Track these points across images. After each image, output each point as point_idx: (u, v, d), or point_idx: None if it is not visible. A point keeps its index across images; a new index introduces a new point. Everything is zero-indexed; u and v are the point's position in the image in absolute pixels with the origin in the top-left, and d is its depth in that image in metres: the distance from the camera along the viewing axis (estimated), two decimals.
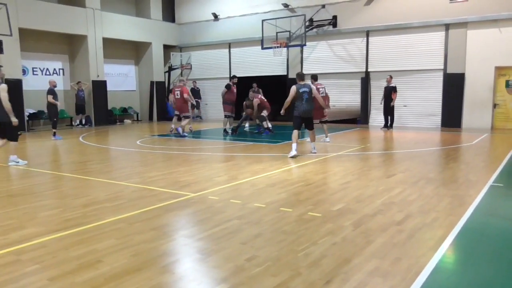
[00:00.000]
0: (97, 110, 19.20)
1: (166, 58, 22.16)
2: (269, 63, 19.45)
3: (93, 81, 18.88)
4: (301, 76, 9.45)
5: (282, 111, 9.40)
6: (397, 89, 14.97)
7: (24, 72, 17.34)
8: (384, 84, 15.24)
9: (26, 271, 3.39)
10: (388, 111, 15.02)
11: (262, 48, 18.28)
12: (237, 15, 20.27)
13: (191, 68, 21.90)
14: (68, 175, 7.59)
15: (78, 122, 18.61)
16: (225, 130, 13.80)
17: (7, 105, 8.02)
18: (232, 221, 4.60)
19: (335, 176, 7.04)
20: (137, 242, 4.00)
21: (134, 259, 3.59)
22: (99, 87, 19.19)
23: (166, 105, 21.88)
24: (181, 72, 22.01)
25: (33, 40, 17.47)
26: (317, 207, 5.12)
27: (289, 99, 9.16)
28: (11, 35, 15.47)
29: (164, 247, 3.90)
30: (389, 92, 14.78)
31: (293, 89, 9.10)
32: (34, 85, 17.80)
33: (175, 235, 4.33)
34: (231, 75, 14.46)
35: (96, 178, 7.16)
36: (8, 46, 15.69)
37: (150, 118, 21.80)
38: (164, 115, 21.52)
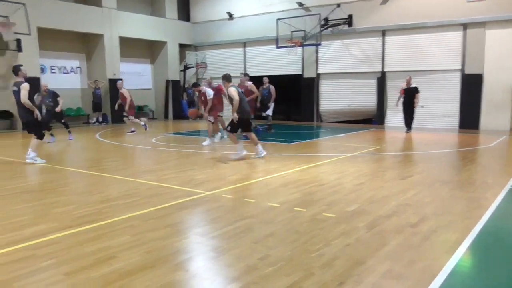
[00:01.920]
0: (114, 108, 19.39)
1: (181, 57, 22.27)
2: (284, 62, 19.40)
3: (110, 80, 19.09)
4: (228, 78, 8.95)
5: (235, 116, 8.69)
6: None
7: (42, 70, 17.61)
8: (400, 84, 15.01)
9: (41, 266, 3.44)
10: (411, 113, 14.03)
11: (277, 47, 18.25)
12: (251, 14, 20.27)
13: (206, 67, 21.98)
14: (84, 171, 7.68)
15: (95, 120, 18.88)
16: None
17: (25, 102, 8.08)
18: (245, 220, 4.60)
19: (349, 176, 6.98)
20: (150, 239, 4.03)
21: (147, 256, 3.61)
22: (115, 85, 19.36)
23: (181, 104, 22.03)
24: (196, 71, 22.11)
25: (51, 39, 17.71)
26: (331, 207, 5.09)
27: (236, 103, 8.49)
28: (29, 34, 15.74)
29: (177, 245, 3.91)
30: (412, 94, 13.75)
31: (235, 90, 8.55)
32: (52, 83, 18.02)
33: (188, 233, 4.35)
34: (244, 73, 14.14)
35: (111, 175, 7.23)
36: (27, 45, 15.97)
37: (166, 116, 21.93)
38: (179, 114, 21.66)
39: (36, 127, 8.55)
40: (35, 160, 8.50)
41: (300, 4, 18.39)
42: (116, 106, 15.33)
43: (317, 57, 18.60)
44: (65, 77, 18.96)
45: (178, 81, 22.29)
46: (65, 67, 18.99)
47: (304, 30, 17.55)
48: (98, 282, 3.12)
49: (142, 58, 21.83)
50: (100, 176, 7.20)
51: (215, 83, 11.88)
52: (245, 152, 8.69)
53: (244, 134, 8.98)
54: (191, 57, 22.14)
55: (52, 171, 7.84)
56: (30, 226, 4.48)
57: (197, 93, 12.64)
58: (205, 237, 4.13)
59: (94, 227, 4.41)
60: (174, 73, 22.06)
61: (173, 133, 14.53)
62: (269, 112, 13.93)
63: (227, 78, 8.89)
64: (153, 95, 22.34)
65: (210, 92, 11.25)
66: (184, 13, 22.85)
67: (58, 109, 12.28)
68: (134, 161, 9.25)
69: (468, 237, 4.06)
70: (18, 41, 15.70)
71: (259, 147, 8.77)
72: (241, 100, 8.56)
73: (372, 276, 3.19)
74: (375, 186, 6.30)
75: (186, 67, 22.20)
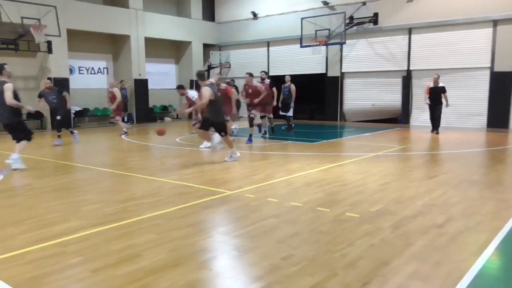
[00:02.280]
0: (139, 108, 19.74)
1: (206, 57, 22.44)
2: (308, 61, 19.31)
3: (135, 80, 19.41)
4: (202, 75, 8.55)
5: (185, 112, 8.77)
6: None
7: (71, 71, 18.06)
8: (427, 82, 14.71)
9: (70, 262, 3.53)
10: (437, 114, 13.50)
11: (301, 47, 18.17)
12: (276, 14, 20.26)
13: (230, 67, 22.08)
14: (110, 171, 7.84)
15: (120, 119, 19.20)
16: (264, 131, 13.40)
17: (12, 103, 7.52)
18: (269, 220, 4.61)
19: (373, 176, 6.90)
20: (175, 237, 4.09)
21: (172, 254, 3.67)
22: (141, 85, 19.72)
23: None
24: (220, 71, 22.24)
25: (80, 40, 18.13)
26: (355, 207, 5.05)
27: (205, 101, 8.09)
28: (59, 36, 16.17)
29: (201, 244, 3.96)
30: (438, 93, 13.27)
31: (208, 90, 8.08)
32: (80, 84, 18.55)
33: (212, 232, 4.39)
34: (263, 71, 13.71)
35: (136, 174, 7.36)
36: (57, 46, 16.41)
37: (190, 116, 22.13)
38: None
39: (20, 130, 8.06)
40: (16, 163, 7.88)
41: (325, 3, 18.27)
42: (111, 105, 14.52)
43: (341, 56, 18.44)
44: (93, 78, 19.39)
45: (228, 83, 22.48)
46: (92, 68, 19.43)
47: (328, 29, 17.42)
48: (124, 279, 3.19)
49: (167, 58, 22.11)
50: (126, 175, 7.34)
51: (223, 85, 11.22)
52: (220, 147, 8.93)
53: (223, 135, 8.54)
54: (215, 57, 22.29)
55: (80, 170, 8.04)
56: (60, 223, 4.61)
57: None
58: (228, 236, 4.16)
59: (120, 225, 4.50)
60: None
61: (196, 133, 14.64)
62: (290, 113, 13.77)
63: (201, 75, 8.50)
64: (178, 95, 22.55)
65: (192, 94, 10.92)
66: (209, 13, 23.02)
67: (68, 105, 12.22)
68: (158, 160, 9.38)
69: (496, 238, 3.97)
70: (49, 43, 16.14)
71: (234, 149, 8.55)
72: (214, 102, 8.15)
73: (397, 277, 3.16)
74: (400, 186, 6.21)
75: (210, 67, 22.35)
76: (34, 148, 11.00)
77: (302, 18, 17.89)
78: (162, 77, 21.83)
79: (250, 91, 11.61)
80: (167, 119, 16.78)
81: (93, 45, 19.11)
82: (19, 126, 8.07)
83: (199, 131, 9.15)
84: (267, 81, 12.60)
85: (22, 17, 14.95)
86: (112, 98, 13.75)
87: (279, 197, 5.58)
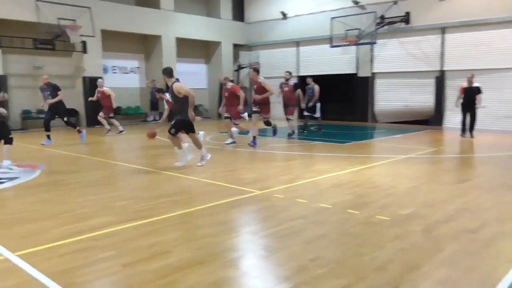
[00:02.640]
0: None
1: (235, 57, 22.56)
2: (337, 61, 19.14)
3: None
4: (169, 72, 7.74)
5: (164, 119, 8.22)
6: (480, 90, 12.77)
7: (104, 70, 18.52)
8: (460, 82, 14.26)
9: (102, 256, 3.63)
10: (472, 115, 12.75)
11: (331, 47, 18.03)
12: (305, 14, 20.15)
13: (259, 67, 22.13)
14: (141, 168, 7.99)
15: (152, 118, 19.63)
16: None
17: None
18: (297, 220, 4.60)
19: (404, 179, 6.77)
20: (203, 235, 4.13)
21: (199, 252, 3.71)
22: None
23: None
24: (249, 71, 22.32)
25: (113, 40, 18.57)
26: (385, 210, 4.97)
27: (192, 92, 7.57)
28: (94, 36, 16.62)
29: (229, 242, 3.98)
30: (473, 94, 12.53)
31: (184, 85, 7.58)
32: (113, 83, 18.94)
33: (239, 231, 4.41)
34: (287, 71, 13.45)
35: (166, 172, 7.48)
36: (91, 46, 16.88)
37: (219, 115, 22.33)
38: None
39: (4, 131, 7.73)
40: (11, 168, 7.64)
41: (355, 2, 18.05)
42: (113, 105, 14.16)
43: (372, 56, 18.17)
44: (125, 77, 19.83)
45: (232, 81, 22.60)
46: (125, 67, 19.87)
47: (359, 29, 17.22)
48: (153, 275, 3.25)
49: (197, 58, 22.35)
50: (156, 173, 7.47)
51: (229, 84, 11.25)
52: (189, 158, 8.01)
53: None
54: (245, 57, 22.38)
55: (112, 167, 8.24)
56: (93, 218, 4.74)
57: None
58: (256, 235, 4.17)
59: (150, 221, 4.59)
60: (227, 73, 22.35)
61: (226, 132, 14.75)
62: (317, 114, 13.66)
63: (167, 72, 7.68)
64: (207, 95, 22.81)
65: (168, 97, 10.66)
66: (239, 13, 23.13)
67: (50, 101, 11.29)
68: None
69: None
70: (84, 43, 16.63)
71: (204, 151, 7.98)
72: (182, 100, 7.60)
73: (427, 282, 3.09)
74: (431, 189, 6.07)
75: (239, 67, 22.47)
76: (69, 144, 11.33)
77: (332, 18, 17.75)
78: (192, 77, 22.08)
79: (254, 87, 10.79)
80: (196, 118, 17.01)
81: (125, 45, 19.54)
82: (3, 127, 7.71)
83: (174, 140, 7.97)
84: (292, 82, 12.45)
85: (58, 18, 15.44)
86: (103, 97, 13.51)
87: (307, 198, 5.56)
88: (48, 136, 11.35)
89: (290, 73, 12.73)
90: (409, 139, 12.48)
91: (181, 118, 7.71)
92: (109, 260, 3.54)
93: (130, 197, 5.76)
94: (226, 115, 11.36)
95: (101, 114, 13.80)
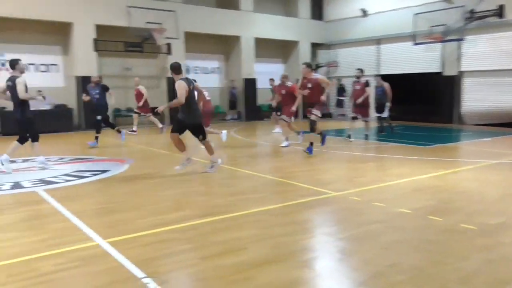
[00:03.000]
0: (247, 106, 20.43)
1: (313, 56, 22.39)
2: (420, 59, 18.21)
3: (245, 79, 20.13)
4: (177, 68, 7.20)
5: (160, 109, 7.40)
6: None
7: (187, 71, 19.34)
8: None
9: (181, 248, 3.80)
10: None
11: (414, 44, 17.21)
12: (387, 10, 19.43)
13: (337, 66, 21.77)
14: (220, 165, 8.21)
15: (230, 117, 20.17)
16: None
17: (25, 97, 7.37)
18: (374, 224, 4.46)
19: (493, 185, 6.27)
20: (277, 234, 4.16)
21: (274, 250, 3.73)
22: (250, 84, 20.38)
23: None
24: (328, 71, 22.06)
25: (195, 41, 19.31)
26: (471, 218, 4.64)
27: (180, 97, 6.90)
28: (178, 38, 17.45)
29: (304, 243, 3.97)
30: None
31: (184, 84, 6.98)
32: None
33: (315, 232, 4.38)
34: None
35: (243, 170, 7.63)
36: (175, 48, 17.73)
37: (296, 115, 22.32)
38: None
39: (23, 129, 7.65)
40: (2, 164, 7.38)
41: None
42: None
43: (459, 53, 17.03)
44: (206, 77, 20.53)
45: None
46: (206, 68, 20.61)
47: (445, 25, 16.23)
48: (228, 270, 3.33)
49: (275, 58, 22.51)
50: (234, 170, 7.65)
51: (289, 83, 10.88)
52: (189, 163, 7.51)
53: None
54: (323, 56, 22.13)
55: (193, 164, 8.56)
56: (173, 211, 4.98)
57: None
58: (332, 237, 4.11)
59: (227, 217, 4.71)
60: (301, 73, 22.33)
61: (303, 132, 14.71)
62: (385, 114, 13.07)
63: (174, 68, 7.19)
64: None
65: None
66: (317, 12, 22.93)
67: (112, 101, 11.48)
68: (264, 157, 9.61)
69: None
70: (169, 45, 17.52)
71: (215, 157, 7.49)
72: (189, 100, 7.03)
73: None
74: None
75: (317, 66, 22.27)
76: (152, 140, 12.00)
77: (415, 14, 16.93)
78: (270, 76, 22.28)
79: (309, 85, 9.14)
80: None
81: (206, 46, 20.23)
82: (22, 125, 7.66)
83: (174, 139, 7.35)
84: (363, 80, 11.88)
85: (146, 22, 16.42)
86: (139, 96, 13.44)
87: (386, 201, 5.36)
88: (96, 138, 10.99)
89: (361, 70, 12.07)
90: (500, 142, 11.53)
91: (183, 119, 7.22)
92: (188, 253, 3.69)
93: (207, 193, 5.97)
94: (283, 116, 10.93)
95: (147, 114, 13.75)
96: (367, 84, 11.73)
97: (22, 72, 7.70)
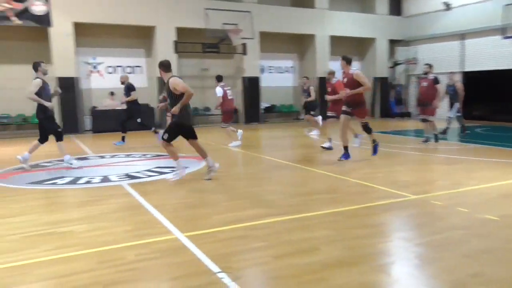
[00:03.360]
0: (323, 106, 20.20)
1: (391, 53, 21.60)
2: (510, 54, 16.82)
3: (319, 78, 19.95)
4: (166, 65, 6.69)
5: (175, 110, 6.55)
6: None
7: (261, 71, 19.61)
8: None
9: (255, 246, 3.86)
10: None
11: (504, 38, 15.94)
12: (472, 2, 18.20)
13: (417, 63, 20.80)
14: (293, 164, 8.24)
15: (303, 116, 20.09)
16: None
17: (30, 97, 7.61)
18: (457, 231, 4.21)
19: None
20: (352, 236, 4.08)
21: (349, 252, 3.67)
22: (324, 83, 20.16)
23: (389, 102, 21.44)
24: (407, 68, 21.18)
25: (269, 41, 19.51)
26: None
27: (190, 90, 6.52)
28: (253, 38, 17.72)
29: (380, 246, 3.85)
30: None
31: (180, 79, 6.61)
32: (269, 82, 19.98)
33: (391, 236, 4.23)
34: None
35: (316, 169, 7.57)
36: (251, 48, 18.03)
37: (372, 114, 21.70)
38: (386, 112, 21.19)
39: (42, 128, 7.95)
40: (71, 163, 8.02)
41: None
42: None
43: None
44: (280, 76, 20.68)
45: (386, 79, 21.72)
46: (280, 67, 20.72)
47: None
48: (302, 269, 3.33)
49: (351, 56, 22.02)
50: (307, 170, 7.62)
51: (334, 79, 10.19)
52: (186, 171, 6.97)
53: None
54: (401, 53, 21.27)
55: (265, 162, 8.68)
56: (247, 209, 5.08)
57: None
58: (409, 242, 3.95)
59: (300, 217, 4.71)
60: (381, 70, 21.59)
61: (379, 132, 14.27)
62: (451, 114, 12.12)
63: (163, 66, 6.68)
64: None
65: (218, 91, 10.66)
66: (396, 7, 22.08)
67: (123, 100, 11.22)
68: (336, 156, 9.43)
69: None
70: (244, 45, 17.86)
71: (210, 161, 6.87)
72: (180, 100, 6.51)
73: None
74: None
75: (395, 64, 21.46)
76: (225, 140, 12.30)
77: (505, 5, 15.65)
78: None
79: (345, 80, 8.40)
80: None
81: (280, 45, 20.35)
82: (42, 124, 7.95)
83: (168, 148, 6.74)
84: (431, 76, 10.61)
85: (223, 23, 16.88)
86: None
87: (470, 207, 5.03)
88: (123, 138, 11.10)
89: (430, 65, 10.89)
90: None
91: (176, 120, 6.65)
92: (261, 251, 3.75)
93: (281, 191, 6.00)
94: (330, 113, 10.08)
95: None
96: (436, 81, 10.50)
97: (44, 74, 7.86)
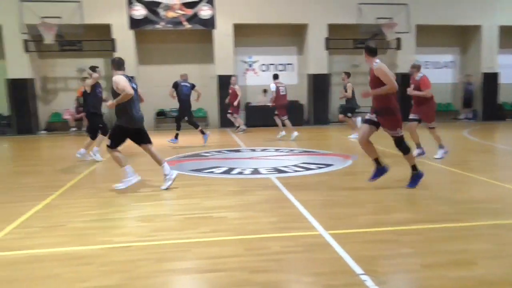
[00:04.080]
0: (486, 105, 18.15)
1: None
2: None
3: (484, 74, 17.91)
4: (117, 63, 6.20)
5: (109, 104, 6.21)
6: None
7: None
8: None
9: (402, 252, 3.69)
10: None
11: None
12: None
13: None
14: (448, 168, 7.58)
15: (464, 116, 18.33)
16: None
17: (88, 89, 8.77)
18: None
19: None
20: None
21: (511, 271, 3.26)
22: (490, 80, 18.02)
23: None
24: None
25: (426, 35, 18.18)
26: None
27: (129, 91, 5.93)
28: (408, 32, 16.77)
29: None
30: None
31: (124, 78, 6.04)
32: None
33: None
34: None
35: (476, 175, 6.84)
36: (405, 42, 17.10)
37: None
38: None
39: (90, 125, 9.18)
40: (81, 155, 8.95)
41: None
42: (226, 100, 14.73)
43: None
44: (438, 72, 19.13)
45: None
46: (438, 62, 19.20)
47: None
48: (454, 283, 3.08)
49: None
50: (464, 175, 6.95)
51: (418, 75, 8.30)
52: (137, 179, 6.28)
53: None
54: None
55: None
56: (396, 212, 4.86)
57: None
58: None
59: (454, 226, 4.33)
60: None
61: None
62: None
63: (117, 63, 6.19)
64: None
65: (272, 87, 11.87)
66: None
67: (196, 99, 11.17)
68: (504, 163, 8.38)
69: None
70: (398, 40, 17.03)
71: (166, 168, 6.19)
72: (131, 100, 6.02)
73: None
74: None
75: None
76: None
77: None
78: None
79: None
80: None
81: (439, 39, 18.82)
82: (91, 121, 9.13)
83: (109, 152, 6.29)
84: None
85: (376, 18, 16.34)
86: (233, 95, 14.16)
87: None
88: (176, 135, 11.13)
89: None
90: None
91: (118, 123, 6.20)
92: (409, 258, 3.57)
93: (432, 196, 5.58)
94: (413, 116, 8.46)
95: (235, 115, 14.64)
96: None
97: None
